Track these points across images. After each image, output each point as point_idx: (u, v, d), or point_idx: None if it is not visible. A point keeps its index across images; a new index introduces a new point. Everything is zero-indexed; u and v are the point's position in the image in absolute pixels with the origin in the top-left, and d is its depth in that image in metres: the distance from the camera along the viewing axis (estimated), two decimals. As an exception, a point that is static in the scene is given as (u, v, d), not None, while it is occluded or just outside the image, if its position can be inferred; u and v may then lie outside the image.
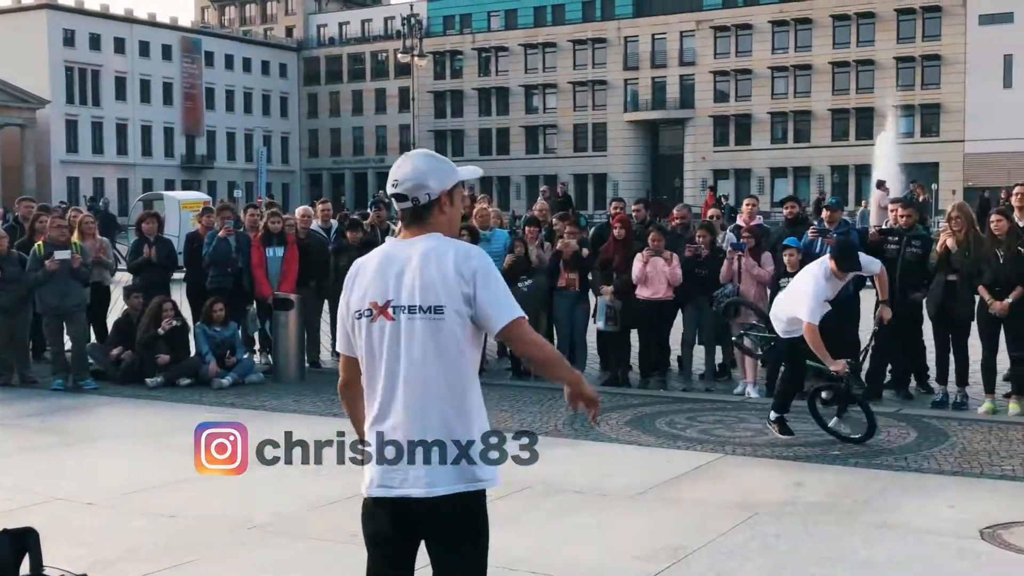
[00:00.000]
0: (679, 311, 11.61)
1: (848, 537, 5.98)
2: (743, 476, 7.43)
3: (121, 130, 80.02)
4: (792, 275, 10.64)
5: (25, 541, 4.33)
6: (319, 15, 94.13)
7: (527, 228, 12.47)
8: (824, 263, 8.50)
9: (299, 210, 13.60)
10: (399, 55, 55.87)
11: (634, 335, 11.86)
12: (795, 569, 5.46)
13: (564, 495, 6.86)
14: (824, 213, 11.17)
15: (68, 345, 11.63)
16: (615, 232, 11.72)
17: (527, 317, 3.35)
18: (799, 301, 8.39)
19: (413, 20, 53.85)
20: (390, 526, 3.26)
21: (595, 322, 11.86)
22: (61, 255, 11.19)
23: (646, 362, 11.74)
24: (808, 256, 11.22)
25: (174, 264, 12.96)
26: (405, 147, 75.63)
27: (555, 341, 12.36)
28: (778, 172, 73.38)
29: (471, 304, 3.22)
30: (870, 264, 8.75)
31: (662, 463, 7.83)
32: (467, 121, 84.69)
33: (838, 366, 8.12)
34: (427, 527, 3.25)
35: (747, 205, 12.60)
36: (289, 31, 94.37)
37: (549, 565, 5.48)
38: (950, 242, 9.86)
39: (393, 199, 3.34)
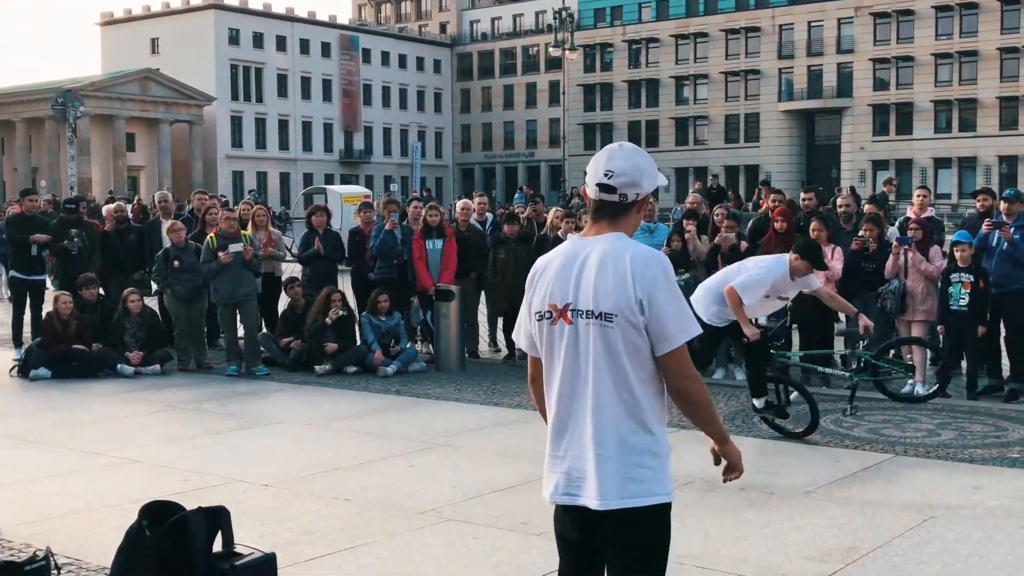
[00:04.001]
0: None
1: (1032, 543, 5.75)
2: (917, 477, 7.21)
3: (283, 126, 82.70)
4: (964, 271, 10.31)
5: (218, 518, 4.56)
6: (472, 11, 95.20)
7: (684, 221, 12.36)
8: (784, 258, 8.38)
9: (460, 203, 13.83)
10: (550, 49, 56.05)
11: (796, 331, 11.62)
12: (976, 574, 5.27)
13: (728, 491, 6.76)
14: (1002, 205, 10.70)
15: (241, 332, 12.11)
16: (776, 225, 11.52)
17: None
18: (740, 272, 8.35)
19: (564, 13, 53.90)
20: (575, 532, 3.24)
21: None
22: (234, 247, 11.67)
23: (809, 358, 11.50)
24: (982, 251, 10.84)
25: (341, 256, 13.33)
26: (555, 141, 76.00)
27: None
28: (942, 163, 70.65)
29: (644, 312, 3.06)
30: (810, 280, 8.47)
31: (830, 462, 7.66)
32: (616, 114, 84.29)
33: (752, 332, 8.20)
34: (605, 538, 3.18)
35: (917, 196, 12.20)
36: (443, 27, 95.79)
37: (718, 562, 5.43)
38: None
39: (597, 188, 3.15)
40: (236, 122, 79.70)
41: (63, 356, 11.54)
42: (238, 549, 4.56)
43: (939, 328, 10.51)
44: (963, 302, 10.25)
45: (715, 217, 12.30)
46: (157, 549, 4.43)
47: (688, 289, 11.76)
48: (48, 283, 13.95)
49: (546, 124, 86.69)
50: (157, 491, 6.74)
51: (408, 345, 12.43)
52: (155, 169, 74.10)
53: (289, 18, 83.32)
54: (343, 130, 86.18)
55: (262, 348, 12.27)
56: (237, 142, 79.76)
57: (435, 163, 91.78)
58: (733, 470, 3.39)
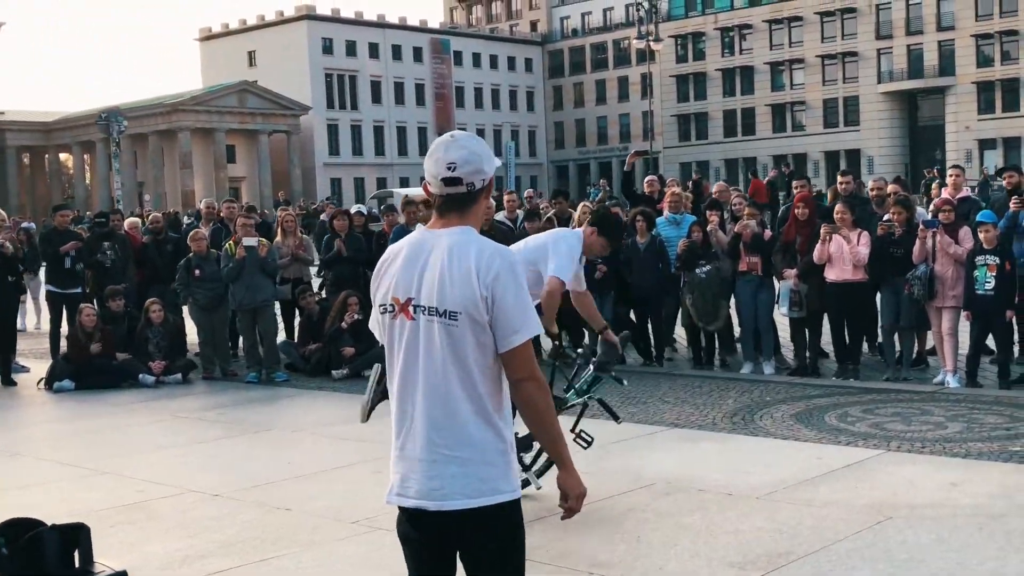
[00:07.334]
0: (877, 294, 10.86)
1: (982, 545, 5.30)
2: (895, 475, 6.77)
3: (378, 132, 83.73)
4: (989, 252, 9.72)
5: (76, 535, 4.48)
6: (562, 7, 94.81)
7: (708, 212, 11.95)
8: (579, 232, 6.52)
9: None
10: (635, 41, 55.46)
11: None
12: (906, 582, 4.88)
13: (685, 494, 6.47)
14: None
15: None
16: (796, 212, 11.08)
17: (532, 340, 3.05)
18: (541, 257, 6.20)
19: (651, 5, 53.24)
20: (416, 534, 3.11)
21: (779, 308, 11.24)
22: (248, 241, 11.70)
23: (839, 349, 11.03)
24: (1012, 232, 10.23)
25: (365, 259, 13.27)
26: (647, 134, 75.02)
27: (738, 327, 11.89)
28: (1054, 139, 67.67)
29: (489, 309, 2.98)
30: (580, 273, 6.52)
31: (811, 460, 7.26)
32: (711, 103, 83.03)
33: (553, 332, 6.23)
34: (452, 539, 3.07)
35: (951, 176, 11.60)
36: (533, 25, 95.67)
37: (632, 569, 5.15)
38: None
39: (442, 183, 3.05)
40: (332, 130, 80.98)
41: (87, 367, 11.72)
42: (96, 568, 4.48)
43: (965, 314, 9.93)
44: (989, 286, 9.69)
45: (734, 205, 11.87)
46: (11, 567, 4.37)
47: (710, 281, 11.43)
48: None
49: (639, 117, 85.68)
50: (108, 503, 6.77)
51: (428, 347, 12.27)
52: (255, 179, 75.75)
53: (380, 25, 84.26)
54: (437, 133, 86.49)
55: (284, 355, 12.29)
56: (334, 149, 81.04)
57: (529, 161, 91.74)
58: (565, 499, 3.09)
